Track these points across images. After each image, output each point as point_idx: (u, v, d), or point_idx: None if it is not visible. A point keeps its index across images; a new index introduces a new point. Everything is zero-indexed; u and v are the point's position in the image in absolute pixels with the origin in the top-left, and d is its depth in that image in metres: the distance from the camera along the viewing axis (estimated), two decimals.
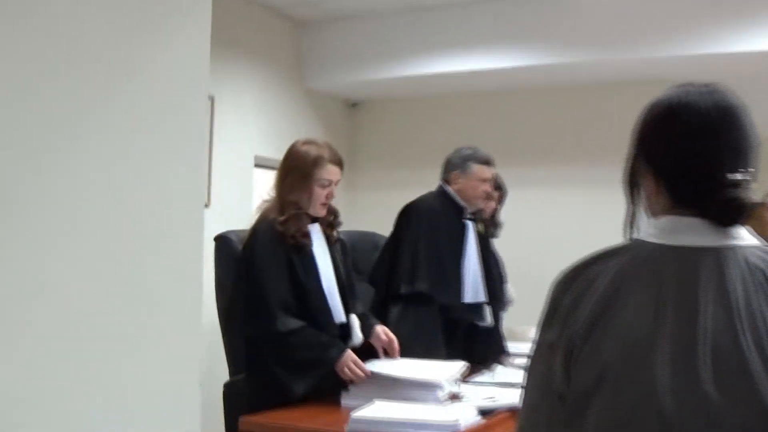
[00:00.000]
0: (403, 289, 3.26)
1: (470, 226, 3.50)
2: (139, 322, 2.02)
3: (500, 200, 4.12)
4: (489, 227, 3.85)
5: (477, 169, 3.46)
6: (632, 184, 1.16)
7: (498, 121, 6.14)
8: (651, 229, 1.13)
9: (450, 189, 3.50)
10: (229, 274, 2.95)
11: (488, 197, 3.54)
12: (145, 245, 2.02)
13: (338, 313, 2.81)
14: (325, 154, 2.82)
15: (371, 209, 6.49)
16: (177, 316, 2.14)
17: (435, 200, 3.48)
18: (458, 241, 3.43)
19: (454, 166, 3.49)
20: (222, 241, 3.10)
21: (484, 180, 3.46)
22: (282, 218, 2.75)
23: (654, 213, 1.15)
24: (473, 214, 3.55)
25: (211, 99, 5.11)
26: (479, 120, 6.23)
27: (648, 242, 1.13)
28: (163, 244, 2.08)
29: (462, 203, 3.48)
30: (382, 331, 2.89)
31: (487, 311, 3.45)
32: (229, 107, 5.39)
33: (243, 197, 5.42)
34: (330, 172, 2.82)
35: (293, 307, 2.68)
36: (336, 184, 2.86)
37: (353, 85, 6.13)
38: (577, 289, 1.13)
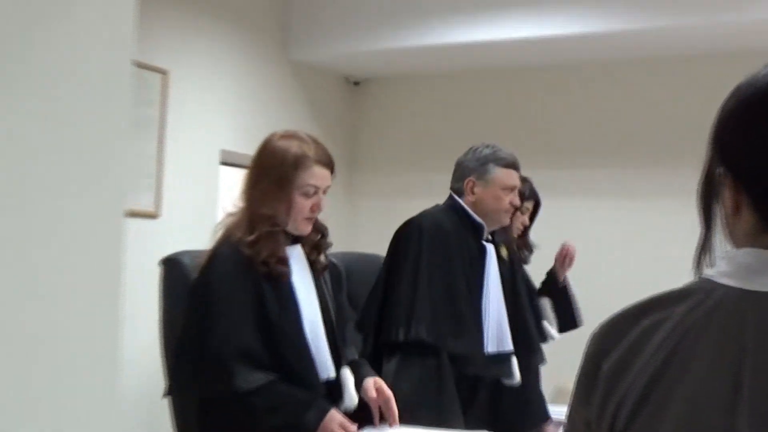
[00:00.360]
0: (399, 336, 3.24)
1: (490, 250, 3.49)
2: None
3: (533, 215, 4.15)
4: (518, 250, 3.90)
5: (500, 174, 3.45)
6: (708, 200, 1.14)
7: (534, 103, 6.32)
8: (725, 265, 1.11)
9: (462, 201, 3.48)
10: (179, 310, 2.96)
11: (515, 211, 3.50)
12: (43, 270, 1.89)
13: (325, 366, 2.80)
14: (310, 152, 2.81)
15: (376, 222, 6.69)
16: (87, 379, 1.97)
17: (442, 216, 3.46)
18: (475, 271, 3.43)
19: (468, 171, 3.48)
20: (171, 266, 3.10)
21: (510, 188, 3.44)
22: (251, 238, 2.74)
23: (735, 240, 1.13)
24: (494, 233, 3.55)
25: (163, 74, 5.13)
26: (514, 102, 6.39)
27: (720, 284, 1.10)
28: (65, 271, 1.90)
29: (479, 220, 3.46)
30: (373, 384, 2.87)
31: (515, 364, 3.46)
32: (189, 86, 5.41)
33: (205, 205, 5.47)
34: (316, 175, 2.81)
35: (260, 356, 2.67)
36: (325, 191, 2.85)
37: (354, 58, 6.21)
38: (624, 348, 1.12)
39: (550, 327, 4.07)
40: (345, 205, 6.91)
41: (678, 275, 1.41)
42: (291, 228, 2.84)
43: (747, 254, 1.11)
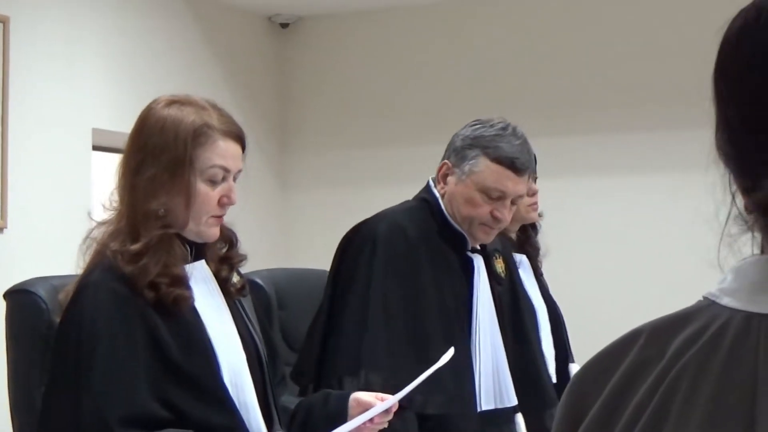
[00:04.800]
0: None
1: (478, 265, 3.55)
2: None
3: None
4: (531, 255, 4.07)
5: (482, 167, 3.45)
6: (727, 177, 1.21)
7: (512, 39, 6.70)
8: (731, 279, 1.19)
9: (438, 193, 3.54)
10: (30, 362, 3.04)
11: (488, 225, 3.50)
12: None
13: (252, 425, 2.87)
14: (213, 120, 2.85)
15: (320, 221, 7.00)
16: None
17: (407, 218, 3.53)
18: (457, 297, 3.50)
19: (450, 150, 3.54)
20: (19, 300, 3.12)
21: (490, 192, 3.45)
22: (135, 247, 2.76)
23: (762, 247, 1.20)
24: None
25: (2, 23, 5.23)
26: (501, 40, 6.73)
27: (723, 306, 1.18)
28: None
29: (457, 227, 3.50)
30: (355, 401, 3.01)
31: (521, 425, 3.58)
32: (39, 36, 5.49)
33: (72, 211, 5.43)
34: (224, 153, 2.85)
35: (156, 420, 2.72)
36: (235, 178, 2.89)
37: None
38: (612, 391, 1.20)
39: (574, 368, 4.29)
40: (276, 199, 7.10)
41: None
42: (191, 232, 2.85)
43: (754, 265, 1.19)
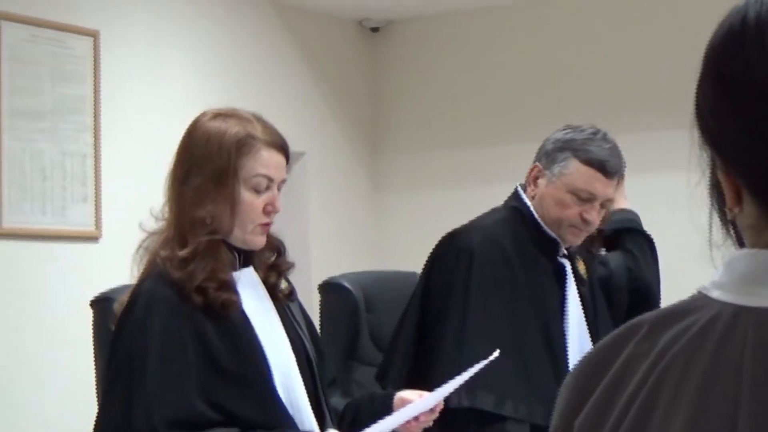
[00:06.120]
0: (463, 401, 3.30)
1: (569, 269, 3.57)
2: None
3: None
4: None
5: (573, 169, 3.47)
6: (714, 191, 1.24)
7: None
8: (722, 273, 1.19)
9: (527, 199, 3.54)
10: None
11: (577, 227, 3.52)
12: None
13: (305, 425, 2.91)
14: (257, 131, 2.90)
15: (411, 222, 6.95)
16: None
17: (501, 229, 3.53)
18: (551, 305, 3.51)
19: (541, 153, 3.54)
20: (104, 308, 3.16)
21: (580, 194, 3.46)
22: (183, 253, 2.82)
23: (741, 237, 1.22)
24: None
25: (93, 37, 5.32)
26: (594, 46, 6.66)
27: (713, 299, 1.19)
28: None
29: (552, 234, 3.52)
30: (399, 399, 3.05)
31: None
32: (129, 50, 5.56)
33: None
34: (268, 163, 2.90)
35: (205, 422, 2.77)
36: (280, 187, 2.94)
37: None
38: (607, 384, 1.21)
39: None
40: (368, 200, 7.16)
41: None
42: (237, 239, 2.90)
43: (743, 258, 1.19)
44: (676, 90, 6.29)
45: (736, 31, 1.18)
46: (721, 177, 1.22)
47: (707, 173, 1.25)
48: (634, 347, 1.22)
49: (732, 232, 1.25)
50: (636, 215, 4.13)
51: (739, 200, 1.21)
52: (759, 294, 1.16)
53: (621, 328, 1.26)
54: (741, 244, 1.23)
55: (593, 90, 6.64)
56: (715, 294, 1.20)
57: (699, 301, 1.22)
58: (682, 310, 1.22)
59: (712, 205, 1.26)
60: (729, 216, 1.23)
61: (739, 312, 1.16)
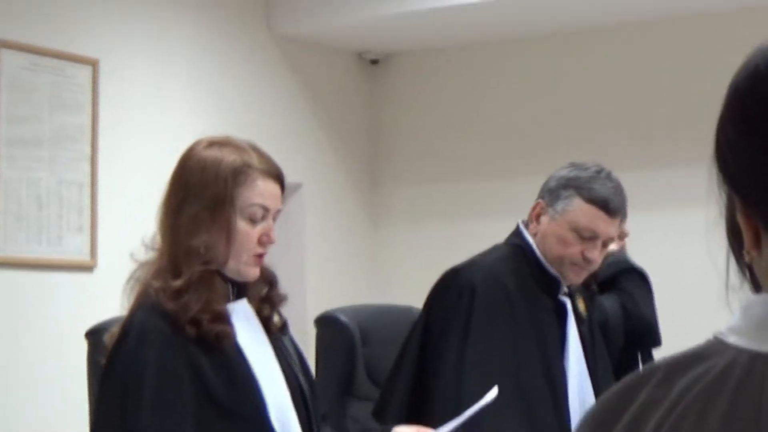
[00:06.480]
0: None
1: (569, 308, 3.56)
2: None
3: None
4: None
5: (576, 207, 3.47)
6: (732, 234, 1.23)
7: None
8: (738, 318, 1.18)
9: (529, 236, 3.54)
10: None
11: (579, 265, 3.50)
12: None
13: None
14: (253, 160, 2.90)
15: (410, 256, 6.95)
16: None
17: (503, 266, 3.53)
18: (552, 344, 3.50)
19: (544, 189, 3.56)
20: (97, 340, 3.12)
21: (582, 232, 3.45)
22: (177, 283, 2.81)
23: (759, 281, 1.20)
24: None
25: (92, 66, 5.33)
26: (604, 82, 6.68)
27: (729, 344, 1.17)
28: None
29: (554, 272, 3.52)
30: None
31: None
32: (128, 79, 5.57)
33: None
34: (264, 192, 2.90)
35: None
36: (275, 217, 2.93)
37: (367, 26, 6.47)
38: (622, 430, 1.20)
39: None
40: (367, 234, 7.13)
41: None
42: (232, 270, 2.89)
43: (761, 303, 1.18)
44: (678, 127, 6.41)
45: (762, 71, 1.18)
46: (739, 218, 1.22)
47: (725, 214, 1.24)
48: (649, 392, 1.21)
49: (748, 275, 1.23)
50: (623, 254, 4.16)
51: (757, 242, 1.20)
52: None
53: (635, 373, 1.25)
54: (758, 288, 1.21)
55: (593, 124, 6.67)
56: (731, 339, 1.19)
57: (714, 347, 1.21)
58: (697, 355, 1.21)
59: (730, 247, 1.25)
60: (747, 259, 1.22)
61: (755, 358, 1.15)
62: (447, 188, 6.96)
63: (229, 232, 2.85)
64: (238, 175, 2.86)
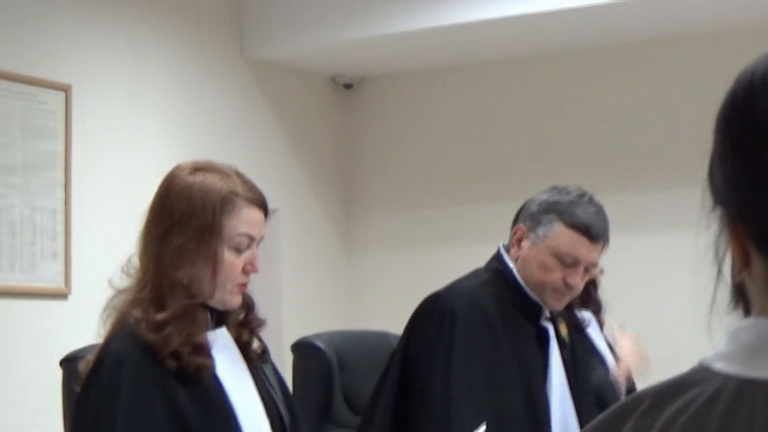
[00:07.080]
0: None
1: (552, 333, 3.55)
2: None
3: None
4: (594, 311, 4.04)
5: (557, 232, 3.44)
6: (719, 256, 1.22)
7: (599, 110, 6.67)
8: (726, 343, 1.18)
9: (510, 261, 3.52)
10: None
11: (560, 291, 3.48)
12: None
13: None
14: (238, 187, 2.88)
15: (385, 283, 6.95)
16: None
17: (483, 292, 3.51)
18: (534, 370, 3.49)
19: (525, 214, 3.53)
20: (72, 369, 3.12)
21: (563, 258, 3.43)
22: (161, 316, 2.78)
23: (749, 302, 1.20)
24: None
25: (65, 91, 5.32)
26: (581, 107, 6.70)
27: (717, 371, 1.17)
28: None
29: (535, 298, 3.50)
30: None
31: None
32: (101, 105, 5.58)
33: None
34: (250, 221, 2.88)
35: None
36: (258, 244, 2.91)
37: (340, 50, 6.56)
38: None
39: None
40: (341, 261, 7.13)
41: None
42: (216, 299, 2.87)
43: (749, 328, 1.17)
44: (664, 150, 6.44)
45: (751, 89, 1.17)
46: (729, 238, 1.21)
47: (714, 236, 1.23)
48: (637, 421, 1.20)
49: (736, 298, 1.23)
50: None
51: (747, 262, 1.19)
52: (764, 366, 1.14)
53: (621, 402, 1.24)
54: (746, 311, 1.21)
55: (573, 147, 6.68)
56: (718, 366, 1.18)
57: (701, 374, 1.20)
58: (684, 382, 1.21)
59: (717, 269, 1.24)
60: (736, 279, 1.22)
61: (744, 384, 1.14)
62: (422, 213, 6.97)
63: (215, 264, 2.83)
64: (225, 203, 2.83)
